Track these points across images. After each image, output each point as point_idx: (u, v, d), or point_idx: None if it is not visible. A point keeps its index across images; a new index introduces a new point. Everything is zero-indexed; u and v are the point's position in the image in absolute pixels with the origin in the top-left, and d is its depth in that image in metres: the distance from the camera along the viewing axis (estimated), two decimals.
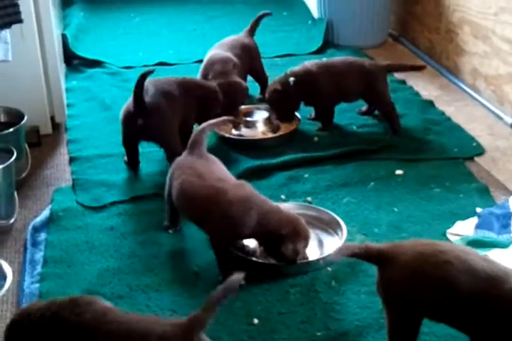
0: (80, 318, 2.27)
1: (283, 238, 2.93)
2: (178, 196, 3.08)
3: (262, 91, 4.49)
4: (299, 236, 2.96)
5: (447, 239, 3.15)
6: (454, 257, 2.32)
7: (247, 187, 3.02)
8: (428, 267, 2.32)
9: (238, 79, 4.11)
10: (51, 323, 2.30)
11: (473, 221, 3.24)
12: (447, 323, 2.41)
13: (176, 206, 3.15)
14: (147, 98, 3.61)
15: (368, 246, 2.45)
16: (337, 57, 4.37)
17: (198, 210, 3.00)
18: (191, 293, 2.94)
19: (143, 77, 3.56)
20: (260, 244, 3.04)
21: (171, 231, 3.30)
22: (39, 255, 3.19)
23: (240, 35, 4.58)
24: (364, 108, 4.32)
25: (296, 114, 4.22)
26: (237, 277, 2.24)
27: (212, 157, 3.22)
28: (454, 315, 2.34)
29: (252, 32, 4.61)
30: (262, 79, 4.58)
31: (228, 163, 3.78)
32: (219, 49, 4.38)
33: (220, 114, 3.73)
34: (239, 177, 3.57)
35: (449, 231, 3.20)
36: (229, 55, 4.26)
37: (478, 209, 3.33)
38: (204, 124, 3.29)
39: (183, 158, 3.20)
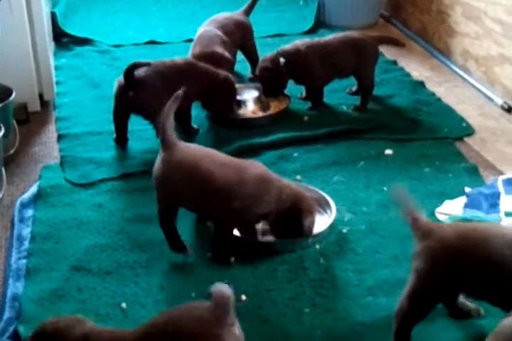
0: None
1: (301, 213, 2.94)
2: (193, 187, 2.89)
3: (253, 70, 4.47)
4: (313, 210, 3.00)
5: (436, 218, 3.15)
6: (495, 233, 2.35)
7: (261, 165, 3.01)
8: (469, 242, 2.35)
9: (221, 51, 4.11)
10: None
11: (462, 200, 3.24)
12: (484, 299, 2.43)
13: (182, 198, 2.95)
14: (140, 73, 3.63)
15: (419, 216, 2.45)
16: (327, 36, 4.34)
17: (219, 195, 2.87)
18: (180, 269, 2.93)
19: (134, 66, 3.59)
20: (272, 222, 3.00)
21: (189, 252, 3.01)
22: (26, 231, 3.18)
23: (235, 13, 4.57)
24: (354, 88, 4.31)
25: (287, 93, 4.21)
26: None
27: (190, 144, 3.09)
28: (493, 290, 2.35)
29: (248, 11, 4.60)
30: (253, 57, 4.57)
31: (218, 141, 3.81)
32: (209, 26, 4.36)
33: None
34: (229, 155, 3.57)
35: (437, 210, 3.20)
36: (217, 31, 4.25)
37: (467, 189, 3.33)
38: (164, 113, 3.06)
39: (171, 156, 2.92)
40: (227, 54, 4.16)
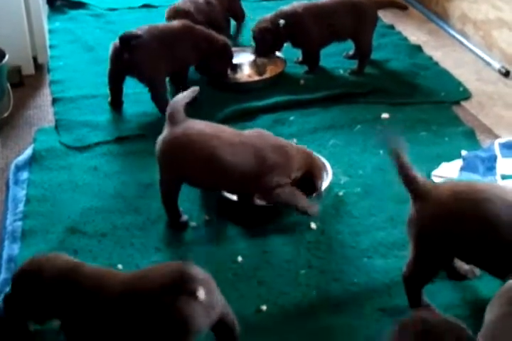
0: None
1: (314, 174, 2.97)
2: (205, 166, 2.83)
3: (238, 30, 4.54)
4: (323, 170, 3.04)
5: (432, 181, 3.14)
6: (493, 195, 2.30)
7: (270, 135, 2.99)
8: (467, 205, 2.31)
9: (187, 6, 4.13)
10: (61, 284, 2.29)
11: (458, 163, 3.24)
12: (478, 264, 2.43)
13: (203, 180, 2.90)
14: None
15: (416, 176, 2.42)
16: None
17: (248, 169, 2.85)
18: (176, 231, 2.93)
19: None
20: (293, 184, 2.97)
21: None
22: (21, 194, 3.17)
23: None
24: (351, 52, 4.28)
25: (282, 56, 4.17)
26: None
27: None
28: (489, 255, 2.32)
29: None
30: (238, 17, 4.65)
31: (214, 105, 3.78)
32: None
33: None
34: (225, 119, 3.57)
35: (433, 173, 3.19)
36: None
37: (464, 152, 3.32)
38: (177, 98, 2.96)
39: (179, 134, 2.85)
40: (192, 10, 4.12)
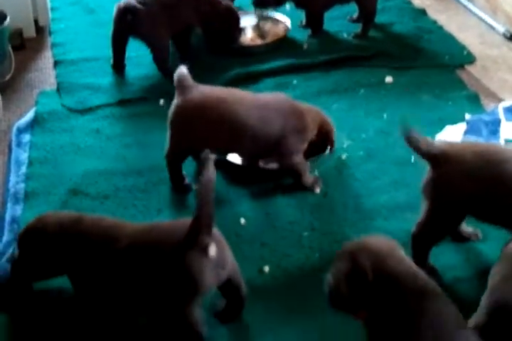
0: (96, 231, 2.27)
1: (328, 132, 2.99)
2: (238, 131, 2.81)
3: None
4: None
5: None
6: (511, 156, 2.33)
7: (284, 97, 2.98)
8: (491, 164, 2.33)
9: None
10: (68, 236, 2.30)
11: (462, 127, 3.23)
12: (492, 222, 2.44)
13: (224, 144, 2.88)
14: None
15: (430, 143, 2.42)
16: None
17: (270, 132, 2.84)
18: (178, 193, 2.93)
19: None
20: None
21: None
22: (24, 156, 3.16)
23: None
24: (355, 15, 4.23)
25: (286, 20, 4.13)
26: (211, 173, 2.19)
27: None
28: (505, 212, 2.35)
29: None
30: None
31: (217, 69, 3.75)
32: None
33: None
34: (227, 83, 3.54)
35: (437, 136, 3.18)
36: None
37: (467, 116, 3.31)
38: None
39: (189, 101, 2.82)
40: None
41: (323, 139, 2.99)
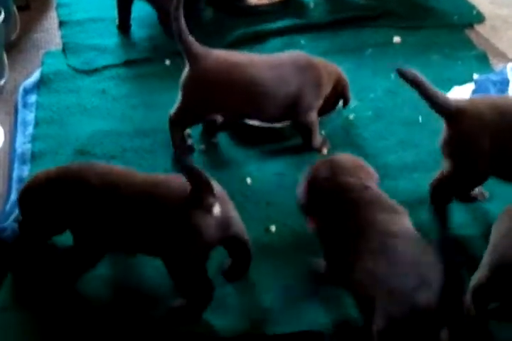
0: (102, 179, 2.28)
1: (345, 86, 2.99)
2: (258, 93, 2.80)
3: None
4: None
5: None
6: None
7: (300, 53, 2.97)
8: (503, 118, 2.32)
9: None
10: (72, 186, 2.31)
11: (470, 87, 3.20)
12: None
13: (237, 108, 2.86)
14: None
15: (446, 98, 2.42)
16: None
17: (289, 91, 2.83)
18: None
19: None
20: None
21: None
22: (30, 116, 3.16)
23: None
24: None
25: None
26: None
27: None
28: None
29: None
30: None
31: (223, 29, 3.72)
32: None
33: None
34: (234, 43, 3.52)
35: None
36: None
37: (476, 76, 3.28)
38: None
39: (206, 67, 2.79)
40: None
41: (336, 95, 2.97)
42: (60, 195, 2.31)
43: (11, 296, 2.39)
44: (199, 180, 2.15)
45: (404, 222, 2.18)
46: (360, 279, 2.06)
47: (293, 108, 2.84)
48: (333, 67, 2.98)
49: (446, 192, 2.49)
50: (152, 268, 2.44)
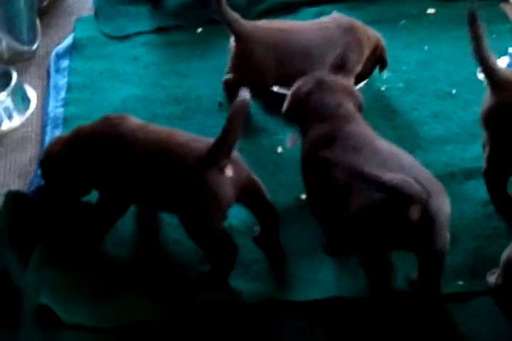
0: (115, 130, 2.30)
1: (383, 46, 3.01)
2: (308, 59, 2.84)
3: None
4: None
5: (477, 78, 3.09)
6: None
7: (342, 16, 2.99)
8: None
9: None
10: (88, 141, 2.35)
11: (505, 60, 3.16)
12: None
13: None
14: None
15: (496, 65, 2.40)
16: None
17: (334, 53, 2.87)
18: (215, 121, 2.92)
19: None
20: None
21: None
22: (63, 81, 3.18)
23: None
24: None
25: None
26: (244, 96, 2.23)
27: None
28: None
29: None
30: None
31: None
32: None
33: None
34: (263, 13, 3.50)
35: (479, 69, 3.12)
36: None
37: (511, 49, 3.24)
38: None
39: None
40: None
41: (374, 60, 2.97)
42: (78, 156, 2.36)
43: (45, 256, 2.42)
44: (229, 140, 2.20)
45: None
46: (337, 177, 2.16)
47: (336, 72, 2.83)
48: (372, 31, 2.98)
49: (495, 172, 2.43)
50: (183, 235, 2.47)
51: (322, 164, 2.24)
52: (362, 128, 2.33)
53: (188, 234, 2.30)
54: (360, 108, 2.46)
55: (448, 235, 2.10)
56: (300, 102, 2.41)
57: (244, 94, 2.21)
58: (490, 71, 2.37)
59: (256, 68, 2.79)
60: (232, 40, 2.83)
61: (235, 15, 2.79)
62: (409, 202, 1.97)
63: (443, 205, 2.05)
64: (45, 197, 2.55)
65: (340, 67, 2.85)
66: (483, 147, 2.46)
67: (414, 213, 1.98)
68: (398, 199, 1.98)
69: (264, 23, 2.88)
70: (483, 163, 2.45)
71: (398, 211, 1.99)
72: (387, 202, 2.00)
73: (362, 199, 2.06)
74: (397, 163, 2.10)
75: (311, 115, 2.37)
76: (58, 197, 2.52)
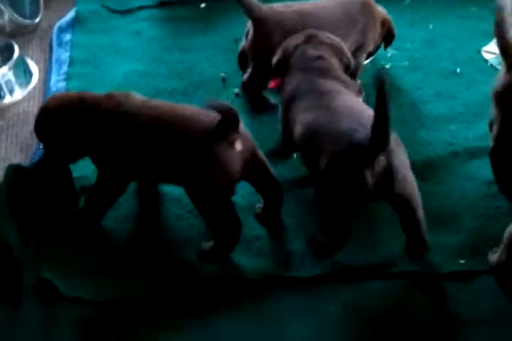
0: (119, 108, 2.29)
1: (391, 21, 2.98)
2: None
3: None
4: None
5: (481, 57, 3.08)
6: None
7: None
8: None
9: None
10: (91, 112, 2.32)
11: None
12: None
13: None
14: None
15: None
16: None
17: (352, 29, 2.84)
18: (218, 96, 2.90)
19: None
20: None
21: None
22: (65, 55, 3.16)
23: None
24: None
25: None
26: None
27: None
28: None
29: None
30: None
31: None
32: None
33: None
34: None
35: (484, 49, 3.12)
36: None
37: None
38: None
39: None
40: None
41: (382, 35, 2.94)
42: (78, 121, 2.33)
43: (47, 231, 2.43)
44: (227, 116, 2.18)
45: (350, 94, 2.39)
46: (307, 133, 2.28)
47: (355, 49, 2.82)
48: (378, 7, 2.94)
49: (503, 151, 2.42)
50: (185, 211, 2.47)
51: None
52: (335, 85, 2.39)
53: (196, 207, 2.30)
54: (346, 67, 2.53)
55: (412, 179, 2.21)
56: (287, 54, 2.51)
57: None
58: (507, 48, 2.34)
59: (274, 53, 2.71)
60: (249, 23, 2.79)
61: (258, 7, 2.74)
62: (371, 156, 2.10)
63: (400, 154, 2.17)
64: (43, 168, 2.53)
65: (357, 47, 2.83)
66: (490, 125, 2.45)
67: (379, 164, 2.11)
68: (357, 152, 2.11)
69: (282, 7, 2.81)
70: (490, 142, 2.44)
71: (359, 163, 2.11)
72: (348, 155, 2.13)
73: (327, 152, 2.18)
74: (357, 119, 2.19)
75: (292, 65, 2.48)
76: (51, 158, 2.48)
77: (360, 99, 2.48)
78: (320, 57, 2.46)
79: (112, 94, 2.35)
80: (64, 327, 2.15)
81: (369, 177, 2.11)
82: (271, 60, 2.59)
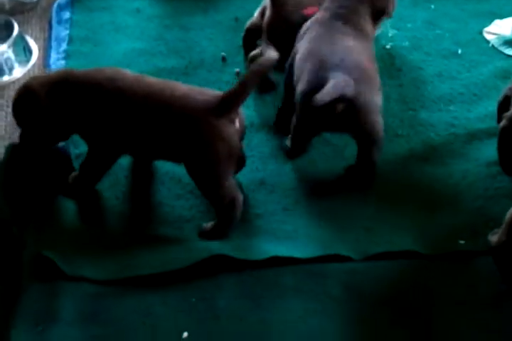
0: (112, 83, 2.28)
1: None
2: None
3: None
4: None
5: (483, 38, 3.07)
6: None
7: None
8: None
9: None
10: (81, 89, 2.31)
11: (511, 21, 3.14)
12: None
13: None
14: None
15: None
16: None
17: None
18: (218, 76, 2.92)
19: None
20: None
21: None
22: (64, 33, 3.13)
23: None
24: None
25: None
26: (272, 55, 2.20)
27: None
28: None
29: None
30: None
31: None
32: None
33: None
34: None
35: (485, 29, 3.10)
36: None
37: None
38: None
39: None
40: None
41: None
42: (64, 100, 2.32)
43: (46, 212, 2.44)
44: (243, 95, 2.20)
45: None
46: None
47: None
48: None
49: None
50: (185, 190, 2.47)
51: None
52: (350, 31, 2.50)
53: (197, 184, 2.30)
54: (378, 13, 2.64)
55: (380, 121, 2.38)
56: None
57: (274, 53, 2.22)
58: None
59: (290, 35, 2.68)
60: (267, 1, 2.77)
61: None
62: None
63: (370, 95, 2.34)
64: (23, 145, 2.52)
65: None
66: (500, 105, 2.43)
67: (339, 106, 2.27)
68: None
69: None
70: (502, 121, 2.40)
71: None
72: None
73: (303, 84, 2.34)
74: (336, 61, 2.33)
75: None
76: (31, 139, 2.47)
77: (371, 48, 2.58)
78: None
79: (103, 69, 2.34)
80: (67, 304, 2.17)
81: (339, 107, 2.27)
82: (287, 42, 2.59)
